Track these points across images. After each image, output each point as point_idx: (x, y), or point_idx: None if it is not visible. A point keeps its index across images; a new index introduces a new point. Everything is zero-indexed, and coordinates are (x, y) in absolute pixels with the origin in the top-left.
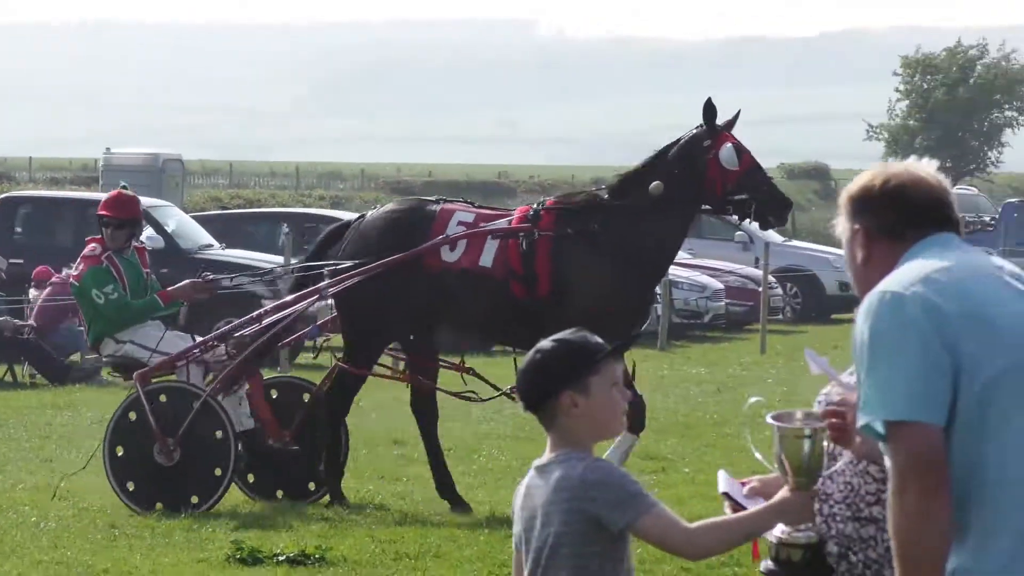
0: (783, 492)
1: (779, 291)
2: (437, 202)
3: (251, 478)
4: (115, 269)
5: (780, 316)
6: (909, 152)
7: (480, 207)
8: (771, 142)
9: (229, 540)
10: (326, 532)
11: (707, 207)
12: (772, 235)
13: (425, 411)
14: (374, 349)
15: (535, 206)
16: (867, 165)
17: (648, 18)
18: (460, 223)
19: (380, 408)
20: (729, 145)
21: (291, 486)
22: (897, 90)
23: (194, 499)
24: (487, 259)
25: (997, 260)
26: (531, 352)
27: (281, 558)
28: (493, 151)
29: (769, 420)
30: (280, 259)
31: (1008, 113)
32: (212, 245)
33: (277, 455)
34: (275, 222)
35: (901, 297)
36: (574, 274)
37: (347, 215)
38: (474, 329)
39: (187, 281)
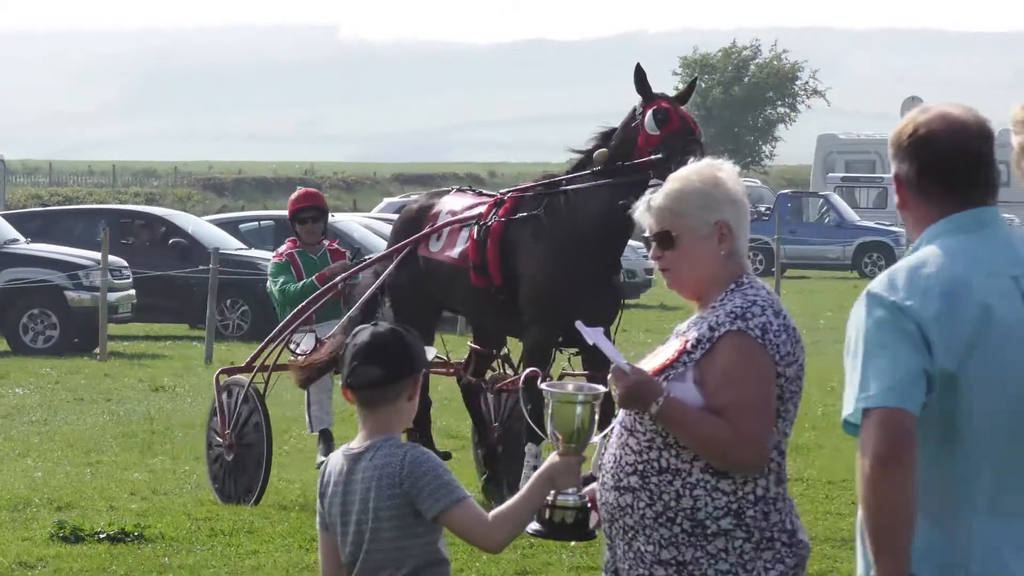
0: (552, 457)
1: None
2: (449, 191)
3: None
4: (294, 264)
5: None
6: None
7: (480, 194)
8: (559, 139)
9: (53, 520)
10: (144, 511)
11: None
12: None
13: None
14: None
15: (501, 193)
16: None
17: (443, 23)
18: (448, 212)
19: (196, 392)
20: (652, 109)
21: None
22: (677, 89)
23: (248, 495)
24: (456, 250)
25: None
26: (383, 332)
27: (102, 536)
28: (299, 149)
29: (542, 387)
30: (96, 254)
31: (780, 109)
32: (18, 240)
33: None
34: (94, 218)
35: (891, 304)
36: (520, 261)
37: (162, 211)
38: (465, 316)
39: (339, 263)
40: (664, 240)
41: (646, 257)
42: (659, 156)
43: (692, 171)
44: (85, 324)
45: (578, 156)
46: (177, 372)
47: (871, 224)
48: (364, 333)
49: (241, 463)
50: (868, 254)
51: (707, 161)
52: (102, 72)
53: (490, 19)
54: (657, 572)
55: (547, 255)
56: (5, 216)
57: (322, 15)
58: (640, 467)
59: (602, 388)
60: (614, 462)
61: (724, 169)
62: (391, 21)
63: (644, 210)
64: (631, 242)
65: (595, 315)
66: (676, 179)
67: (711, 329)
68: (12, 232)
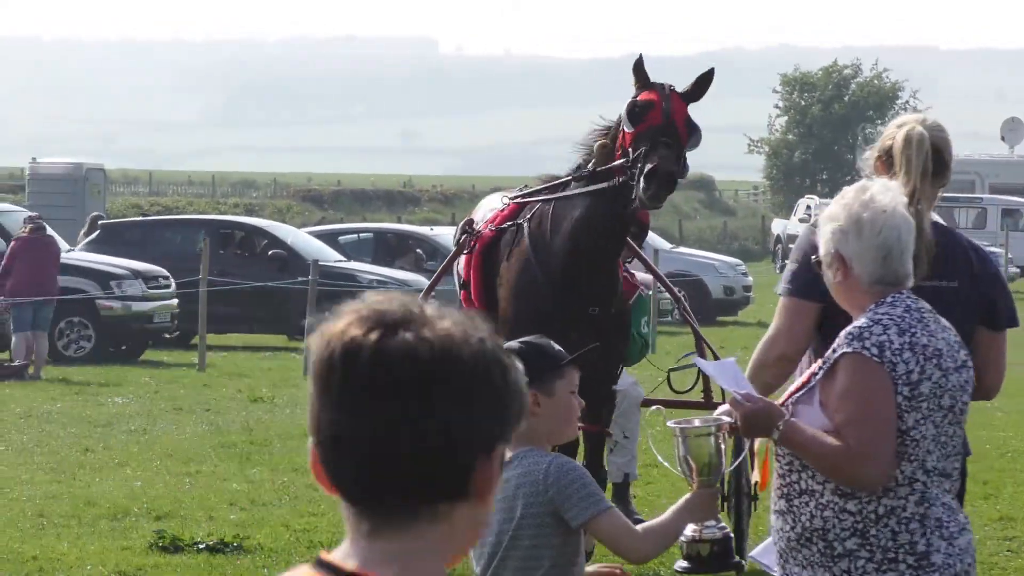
0: (689, 493)
1: (667, 294)
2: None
3: None
4: None
5: (668, 318)
6: (788, 164)
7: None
8: None
9: (152, 529)
10: (243, 522)
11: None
12: (661, 242)
13: None
14: None
15: (505, 198)
16: (749, 176)
17: (542, 38)
18: (482, 216)
19: (294, 403)
20: (630, 102)
21: None
22: (776, 106)
23: None
24: (460, 263)
25: None
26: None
27: (201, 546)
28: (397, 162)
29: (671, 425)
30: (132, 263)
31: (880, 128)
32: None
33: None
34: (194, 228)
35: None
36: (498, 284)
37: (262, 222)
38: None
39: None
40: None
41: (745, 274)
42: (622, 161)
43: (840, 195)
44: (118, 333)
45: (581, 150)
46: (275, 383)
47: None
48: None
49: None
50: None
51: (856, 184)
52: (202, 82)
53: (588, 35)
54: None
55: (517, 279)
56: (105, 226)
57: (422, 29)
58: (785, 490)
59: (727, 419)
60: (774, 487)
61: (850, 194)
62: (490, 36)
63: None
64: (727, 258)
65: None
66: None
67: (833, 351)
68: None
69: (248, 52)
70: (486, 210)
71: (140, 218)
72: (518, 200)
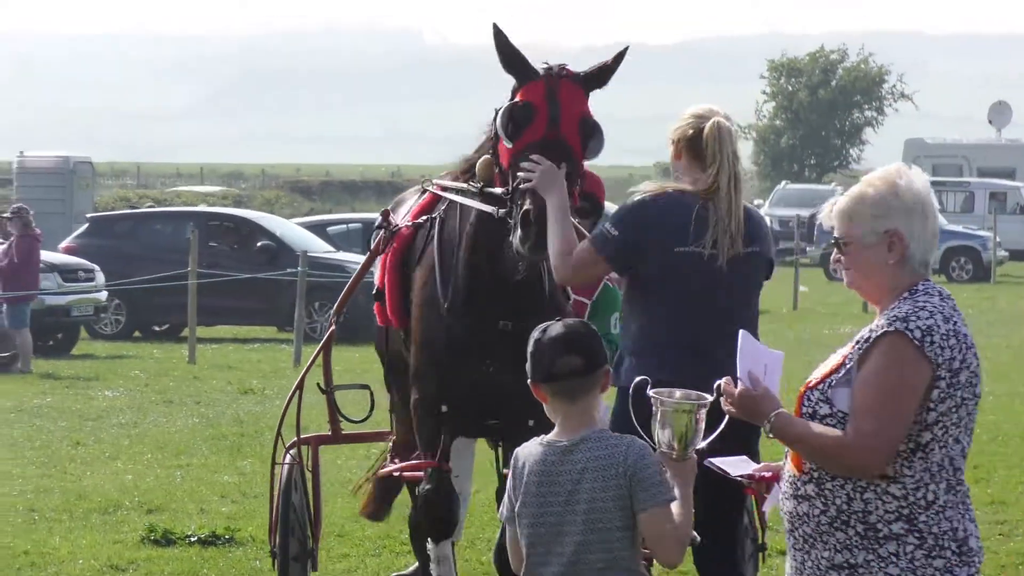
0: (671, 468)
1: None
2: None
3: None
4: None
5: None
6: (776, 150)
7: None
8: (646, 141)
9: (143, 522)
10: (235, 514)
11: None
12: None
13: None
14: None
15: (425, 185)
16: None
17: (529, 25)
18: (406, 212)
19: (283, 395)
20: (507, 106)
21: None
22: (764, 92)
23: None
24: (376, 273)
25: None
26: (575, 325)
27: (193, 539)
28: (385, 151)
29: (651, 394)
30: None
31: (867, 113)
32: None
33: None
34: (182, 220)
35: None
36: (412, 296)
37: (251, 213)
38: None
39: None
40: (839, 245)
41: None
42: (501, 191)
43: (876, 176)
44: (34, 329)
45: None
46: (266, 375)
47: (958, 228)
48: (556, 326)
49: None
50: (956, 258)
51: (896, 166)
52: (190, 74)
53: (574, 23)
54: None
55: (422, 292)
56: (93, 219)
57: (407, 19)
58: (816, 474)
59: (709, 397)
60: (790, 473)
61: (905, 175)
62: (474, 24)
63: (829, 211)
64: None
65: (487, 388)
66: (862, 182)
67: (871, 331)
68: None
69: (237, 43)
70: (410, 204)
71: (129, 211)
72: (438, 186)
